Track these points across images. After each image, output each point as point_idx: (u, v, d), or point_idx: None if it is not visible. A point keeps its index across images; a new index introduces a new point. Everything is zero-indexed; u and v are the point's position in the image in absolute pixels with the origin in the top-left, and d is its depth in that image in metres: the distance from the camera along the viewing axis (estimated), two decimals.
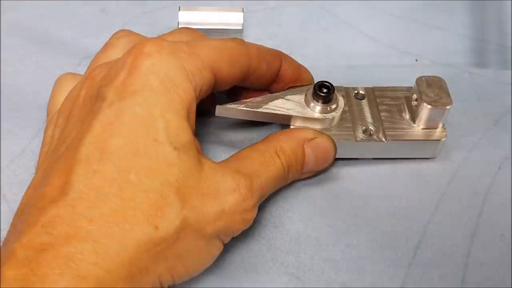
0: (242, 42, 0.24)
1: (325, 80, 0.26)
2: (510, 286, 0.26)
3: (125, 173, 0.18)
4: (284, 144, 0.23)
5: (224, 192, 0.21)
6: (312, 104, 0.26)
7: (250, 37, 0.30)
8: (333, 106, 0.26)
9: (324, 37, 0.32)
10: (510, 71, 0.32)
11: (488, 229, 0.27)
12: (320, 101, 0.26)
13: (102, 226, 0.18)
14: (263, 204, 0.28)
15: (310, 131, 0.25)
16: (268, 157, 0.23)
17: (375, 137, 0.27)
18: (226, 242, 0.22)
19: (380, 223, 0.28)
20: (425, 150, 0.28)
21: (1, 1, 0.34)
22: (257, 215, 0.27)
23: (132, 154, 0.19)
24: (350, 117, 0.27)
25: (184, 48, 0.21)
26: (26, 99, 0.30)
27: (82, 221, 0.17)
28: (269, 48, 0.25)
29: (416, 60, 0.33)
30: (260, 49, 0.24)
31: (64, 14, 0.35)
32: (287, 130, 0.25)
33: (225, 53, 0.22)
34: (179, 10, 0.31)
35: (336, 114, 0.26)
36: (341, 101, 0.27)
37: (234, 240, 0.27)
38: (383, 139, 0.27)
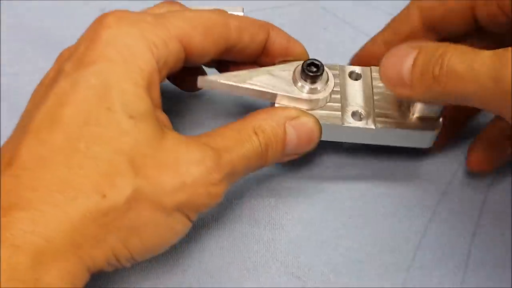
0: (221, 12, 0.23)
1: (315, 58, 0.24)
2: (510, 287, 0.26)
3: (74, 141, 0.18)
4: (263, 122, 0.22)
5: (186, 163, 0.20)
6: (299, 84, 0.24)
7: None
8: (322, 86, 0.24)
9: (324, 36, 0.32)
10: None
11: (488, 229, 0.27)
12: (308, 80, 0.24)
13: (44, 195, 0.17)
14: (263, 206, 0.28)
15: (293, 110, 0.24)
16: (244, 135, 0.22)
17: (364, 122, 0.25)
18: (193, 218, 0.21)
19: (380, 224, 0.27)
20: (418, 140, 0.26)
21: (1, 1, 0.34)
22: (256, 217, 0.28)
23: (83, 123, 0.18)
24: (341, 98, 0.25)
25: (148, 19, 0.20)
26: (25, 100, 0.30)
27: (24, 191, 0.17)
28: (255, 20, 0.24)
29: None
30: (243, 20, 0.23)
31: (63, 14, 0.34)
32: (269, 108, 0.24)
33: (199, 24, 0.21)
34: None
35: (324, 96, 0.24)
36: (332, 82, 0.25)
37: (235, 241, 0.27)
38: (372, 126, 0.25)
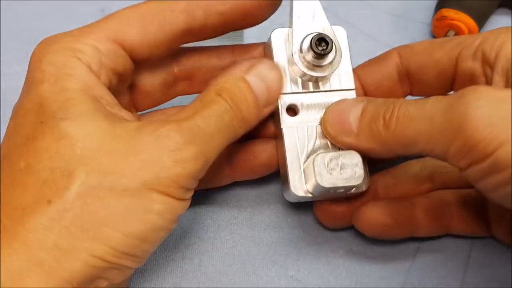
0: (167, 0, 0.22)
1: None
2: (510, 287, 0.25)
3: (15, 165, 0.18)
4: (222, 84, 0.21)
5: (140, 142, 0.19)
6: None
7: (251, 37, 0.29)
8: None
9: None
10: None
11: None
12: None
13: None
14: (262, 208, 0.28)
15: (245, 63, 0.22)
16: (207, 99, 0.21)
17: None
18: (176, 195, 0.19)
19: None
20: None
21: (1, 1, 0.34)
22: (256, 220, 0.27)
23: (22, 145, 0.18)
24: None
25: (74, 32, 0.21)
26: None
27: None
28: None
29: None
30: None
31: (63, 15, 0.34)
32: (225, 71, 0.23)
33: (133, 19, 0.21)
34: None
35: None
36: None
37: (235, 244, 0.27)
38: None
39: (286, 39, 0.25)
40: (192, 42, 0.23)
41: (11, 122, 0.20)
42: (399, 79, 0.26)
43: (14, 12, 0.34)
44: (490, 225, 0.26)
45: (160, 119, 0.21)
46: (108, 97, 0.20)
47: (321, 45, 0.24)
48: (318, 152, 0.24)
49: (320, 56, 0.24)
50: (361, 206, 0.25)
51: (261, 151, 0.25)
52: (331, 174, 0.23)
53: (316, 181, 0.23)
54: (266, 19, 0.23)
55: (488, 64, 0.23)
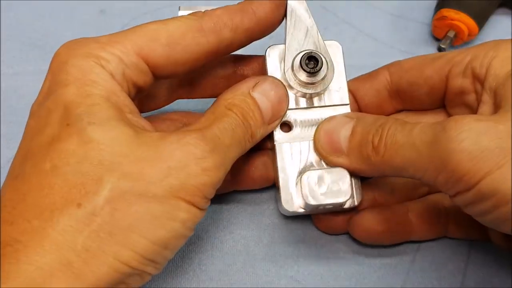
0: (193, 18, 0.22)
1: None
2: (510, 287, 0.25)
3: (40, 165, 0.18)
4: (231, 99, 0.22)
5: (167, 149, 0.19)
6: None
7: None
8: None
9: (325, 36, 0.31)
10: None
11: None
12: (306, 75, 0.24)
13: (21, 226, 0.17)
14: (262, 208, 0.27)
15: (250, 80, 0.23)
16: (219, 113, 0.21)
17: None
18: (199, 204, 0.20)
19: None
20: None
21: (1, 1, 0.34)
22: (256, 219, 0.27)
23: (47, 145, 0.18)
24: None
25: (102, 39, 0.21)
26: (24, 101, 0.30)
27: (5, 226, 0.17)
28: (233, 7, 0.22)
29: None
30: (221, 16, 0.22)
31: (63, 15, 0.33)
32: (231, 87, 0.23)
33: (160, 36, 0.21)
34: (179, 9, 0.30)
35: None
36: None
37: (235, 244, 0.27)
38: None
39: (281, 55, 0.25)
40: (215, 59, 0.23)
41: (31, 120, 0.20)
42: (389, 96, 0.26)
43: (14, 12, 0.33)
44: (487, 230, 0.25)
45: (182, 130, 0.21)
46: (131, 105, 0.20)
47: (310, 63, 0.24)
48: (311, 168, 0.24)
49: (310, 74, 0.24)
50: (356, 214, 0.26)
51: (262, 163, 0.26)
52: (318, 192, 0.23)
53: (303, 198, 0.23)
54: (279, 25, 0.24)
55: (478, 80, 0.23)
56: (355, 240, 0.26)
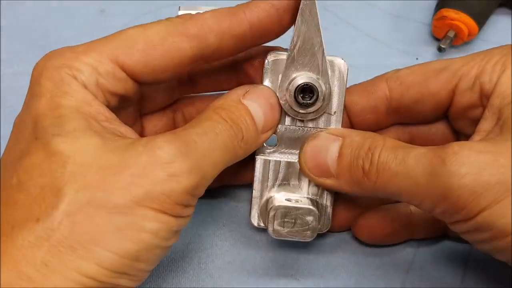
0: (176, 22, 0.20)
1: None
2: (510, 287, 0.25)
3: (8, 180, 0.18)
4: (220, 104, 0.21)
5: (131, 157, 0.18)
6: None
7: None
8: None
9: (324, 36, 0.31)
10: None
11: None
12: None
13: None
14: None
15: (240, 88, 0.22)
16: (205, 116, 0.20)
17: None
18: (170, 211, 0.18)
19: None
20: None
21: (1, 2, 0.33)
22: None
23: (16, 160, 0.18)
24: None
25: (79, 49, 0.20)
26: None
27: None
28: (227, 10, 0.21)
29: (417, 59, 0.32)
30: (209, 20, 0.20)
31: (63, 15, 0.33)
32: (221, 96, 0.22)
33: (138, 42, 0.20)
34: (179, 9, 0.30)
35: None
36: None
37: (235, 242, 0.26)
38: None
39: (281, 65, 0.23)
40: (204, 65, 0.22)
41: (11, 136, 0.20)
42: (387, 112, 0.24)
43: (14, 12, 0.33)
44: None
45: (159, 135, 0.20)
46: (107, 113, 0.20)
47: (305, 96, 0.22)
48: (284, 189, 0.24)
49: (304, 106, 0.22)
50: (360, 214, 0.25)
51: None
52: (283, 227, 0.23)
53: (267, 228, 0.23)
54: (284, 32, 0.22)
55: (486, 97, 0.22)
56: (354, 239, 0.26)
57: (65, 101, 0.19)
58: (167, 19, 0.21)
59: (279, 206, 0.22)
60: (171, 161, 0.18)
